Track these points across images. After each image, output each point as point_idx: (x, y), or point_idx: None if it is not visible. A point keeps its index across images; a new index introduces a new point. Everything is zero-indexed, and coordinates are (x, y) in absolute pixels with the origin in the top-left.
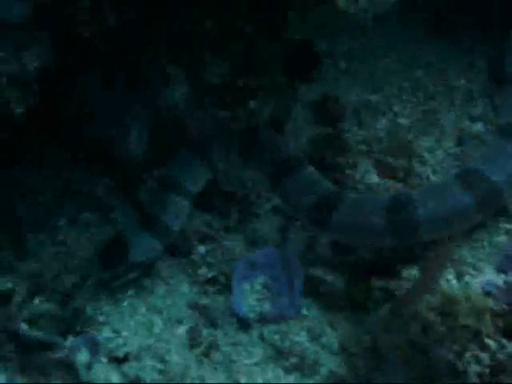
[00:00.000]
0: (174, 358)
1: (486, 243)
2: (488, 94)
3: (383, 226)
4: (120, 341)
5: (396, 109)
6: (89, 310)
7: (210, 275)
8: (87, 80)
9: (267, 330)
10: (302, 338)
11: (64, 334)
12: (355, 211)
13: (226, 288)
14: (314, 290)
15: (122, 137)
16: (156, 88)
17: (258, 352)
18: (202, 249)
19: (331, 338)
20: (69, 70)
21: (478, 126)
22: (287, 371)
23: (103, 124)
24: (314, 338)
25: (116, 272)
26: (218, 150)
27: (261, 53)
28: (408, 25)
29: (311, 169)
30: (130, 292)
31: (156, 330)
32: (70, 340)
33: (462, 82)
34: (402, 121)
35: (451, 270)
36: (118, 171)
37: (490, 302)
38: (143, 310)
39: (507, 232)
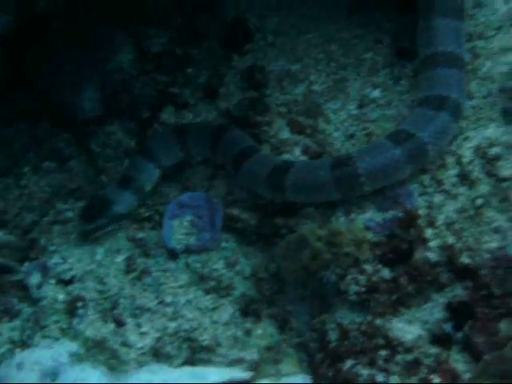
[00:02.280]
0: (112, 280)
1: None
2: (390, 65)
3: (330, 181)
4: (67, 266)
5: (312, 78)
6: (42, 241)
7: (147, 214)
8: (45, 50)
9: (191, 259)
10: (220, 265)
11: (21, 261)
12: (304, 173)
13: (160, 225)
14: (231, 227)
15: (77, 97)
16: (106, 55)
17: (183, 277)
18: None
19: (244, 266)
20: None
21: (376, 93)
22: (206, 292)
23: (61, 86)
24: (230, 265)
25: (100, 222)
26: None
27: (198, 27)
28: (328, 6)
29: (262, 153)
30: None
31: (98, 257)
32: (26, 265)
33: (369, 55)
34: (316, 87)
35: (340, 209)
36: (74, 127)
37: (369, 235)
38: (88, 241)
39: None
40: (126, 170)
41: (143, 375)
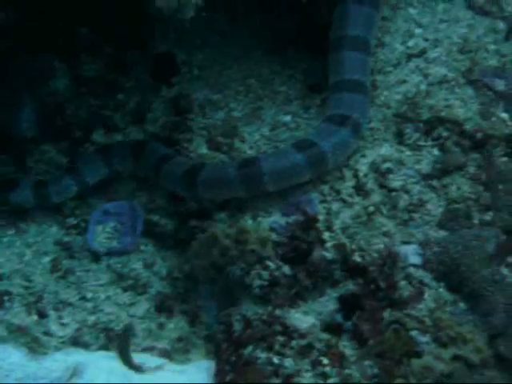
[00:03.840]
0: (38, 278)
1: (276, 194)
2: (302, 97)
3: (236, 179)
4: None
5: (232, 105)
6: None
7: (74, 222)
8: None
9: (112, 261)
10: (138, 266)
11: None
12: (214, 171)
13: (85, 231)
14: (151, 232)
15: (15, 119)
16: (42, 79)
17: (104, 276)
18: (71, 204)
19: (161, 267)
20: None
21: (287, 118)
22: (124, 290)
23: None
24: (147, 266)
25: None
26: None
27: (130, 57)
28: (249, 44)
29: (180, 157)
30: (10, 232)
31: (26, 258)
32: None
33: (283, 88)
34: (235, 113)
35: (249, 213)
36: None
37: (273, 235)
38: (18, 244)
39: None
40: (47, 179)
41: (59, 356)
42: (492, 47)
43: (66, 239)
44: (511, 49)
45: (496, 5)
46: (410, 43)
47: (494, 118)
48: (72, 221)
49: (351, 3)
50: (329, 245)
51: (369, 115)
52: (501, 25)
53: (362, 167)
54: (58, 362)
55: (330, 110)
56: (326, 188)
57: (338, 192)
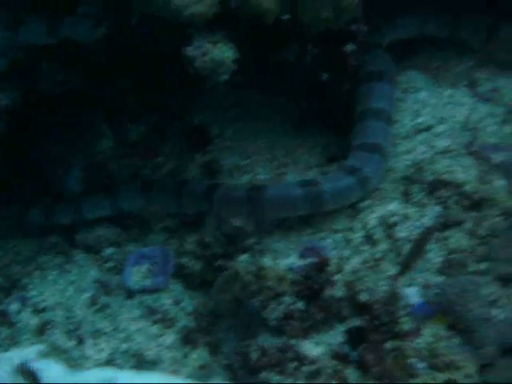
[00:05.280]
0: (78, 311)
1: (294, 238)
2: (320, 166)
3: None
4: (41, 298)
5: (258, 170)
6: (23, 281)
7: (112, 265)
8: (45, 128)
9: (145, 298)
10: (167, 302)
11: (6, 296)
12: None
13: (122, 272)
14: (181, 273)
15: (64, 174)
16: (91, 140)
17: (137, 311)
18: (110, 250)
19: (188, 304)
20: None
21: None
22: (154, 323)
23: (52, 165)
24: (176, 303)
25: None
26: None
27: (169, 126)
28: (276, 120)
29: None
30: (55, 272)
31: (68, 294)
32: (9, 298)
33: (305, 157)
34: (260, 177)
35: (269, 255)
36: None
37: (290, 274)
38: (61, 282)
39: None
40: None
41: (95, 370)
42: (491, 128)
43: (105, 278)
44: (509, 129)
45: (496, 93)
46: (419, 120)
47: (490, 184)
48: (110, 264)
49: (375, 81)
50: (339, 285)
51: (380, 175)
52: (500, 110)
53: (372, 221)
54: (95, 375)
55: (348, 161)
56: (338, 237)
57: (349, 241)
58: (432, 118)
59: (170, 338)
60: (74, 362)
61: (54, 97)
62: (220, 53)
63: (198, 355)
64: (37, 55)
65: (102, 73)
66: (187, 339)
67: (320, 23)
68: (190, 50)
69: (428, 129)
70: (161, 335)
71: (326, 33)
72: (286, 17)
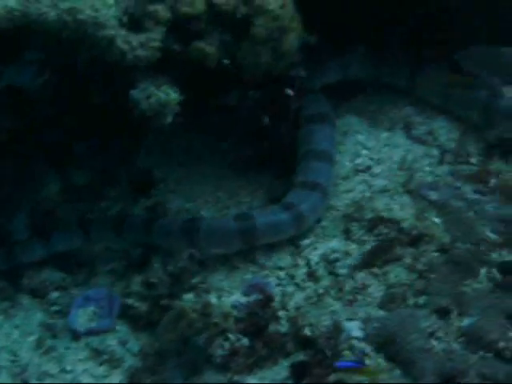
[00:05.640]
0: (23, 354)
1: (239, 277)
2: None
3: (235, 231)
4: None
5: (202, 213)
6: None
7: (57, 309)
8: None
9: (91, 339)
10: (114, 343)
11: None
12: (214, 224)
13: (67, 315)
14: (126, 313)
15: (8, 223)
16: (36, 186)
17: (83, 353)
18: (55, 294)
19: (134, 344)
20: None
21: None
22: (100, 364)
23: None
24: (122, 343)
25: None
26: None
27: (114, 171)
28: (219, 164)
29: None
30: (0, 317)
31: (13, 337)
32: None
33: (248, 199)
34: None
35: (214, 293)
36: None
37: (234, 311)
38: (6, 326)
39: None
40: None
41: None
42: (427, 168)
43: (50, 321)
44: (443, 170)
45: (431, 135)
46: (358, 161)
47: (427, 221)
48: (56, 308)
49: (316, 123)
50: (283, 321)
51: (318, 213)
52: (435, 151)
53: (314, 257)
54: None
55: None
56: (282, 273)
57: (292, 277)
58: (370, 159)
59: (116, 378)
60: None
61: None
62: (164, 95)
63: None
64: None
65: (47, 118)
66: (133, 379)
67: (260, 68)
68: (135, 93)
69: (366, 169)
70: (107, 376)
71: (266, 77)
72: (227, 61)
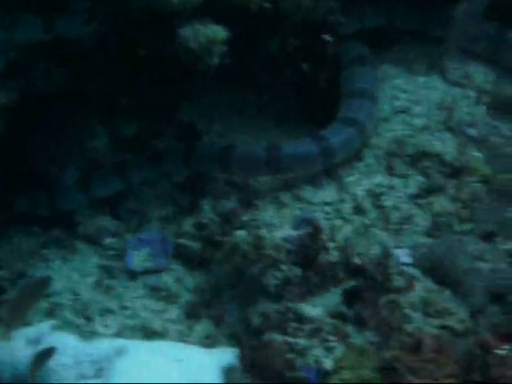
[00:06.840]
0: (84, 293)
1: (287, 214)
2: None
3: (263, 159)
4: None
5: None
6: (29, 273)
7: (113, 253)
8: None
9: (147, 278)
10: (169, 281)
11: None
12: (245, 151)
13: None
14: (180, 253)
15: (60, 172)
16: (87, 139)
17: (140, 291)
18: (110, 240)
19: (189, 281)
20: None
21: None
22: (157, 300)
23: (48, 161)
24: (177, 281)
25: None
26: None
27: (160, 123)
28: (261, 116)
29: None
30: (58, 261)
31: (74, 279)
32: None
33: None
34: None
35: (265, 228)
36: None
37: (286, 244)
38: (65, 269)
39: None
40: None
41: (106, 340)
42: (465, 109)
43: (107, 264)
44: (481, 110)
45: (467, 78)
46: (396, 104)
47: (468, 155)
48: (112, 252)
49: (357, 65)
50: (333, 251)
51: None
52: (471, 93)
53: (359, 192)
54: (106, 343)
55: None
56: (329, 208)
57: (339, 211)
58: (408, 101)
59: (173, 312)
60: (85, 336)
61: (49, 96)
62: (212, 32)
63: (202, 327)
64: (32, 54)
65: (95, 70)
66: (191, 313)
67: (299, 12)
68: (183, 31)
69: (405, 110)
70: (165, 310)
71: (305, 24)
72: (268, 5)
